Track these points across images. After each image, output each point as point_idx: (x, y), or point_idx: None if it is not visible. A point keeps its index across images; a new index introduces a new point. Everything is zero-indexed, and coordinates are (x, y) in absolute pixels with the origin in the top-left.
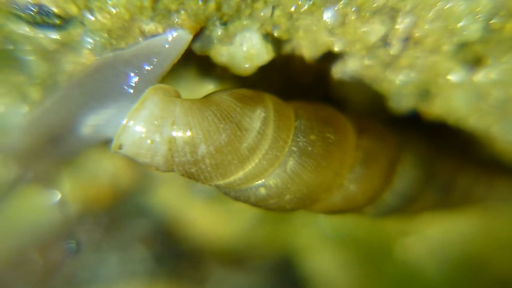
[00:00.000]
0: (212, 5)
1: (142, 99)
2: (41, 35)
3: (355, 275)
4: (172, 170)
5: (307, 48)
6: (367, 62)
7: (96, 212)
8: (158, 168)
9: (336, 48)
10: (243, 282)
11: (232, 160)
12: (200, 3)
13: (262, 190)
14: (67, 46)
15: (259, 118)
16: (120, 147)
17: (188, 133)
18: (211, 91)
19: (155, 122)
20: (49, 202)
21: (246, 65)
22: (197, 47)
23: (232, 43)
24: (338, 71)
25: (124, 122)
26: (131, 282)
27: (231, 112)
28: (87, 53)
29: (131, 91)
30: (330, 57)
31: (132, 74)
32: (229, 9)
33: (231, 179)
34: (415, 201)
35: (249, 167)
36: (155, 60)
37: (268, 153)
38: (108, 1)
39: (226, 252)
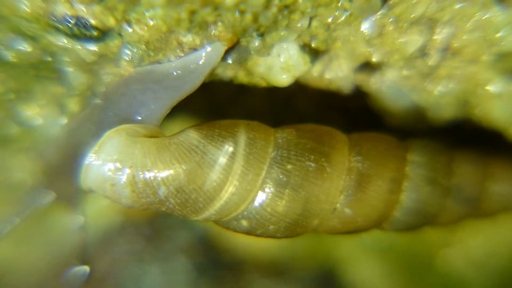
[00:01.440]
0: (249, 17)
1: (100, 143)
2: (79, 47)
3: (397, 286)
4: (146, 209)
5: (344, 58)
6: (405, 72)
7: (138, 223)
8: (133, 208)
9: (374, 59)
10: None
11: (198, 198)
12: (237, 14)
13: (244, 222)
14: (105, 57)
15: (226, 154)
16: (89, 189)
17: (146, 175)
18: None
19: (115, 166)
20: (72, 224)
21: (284, 76)
22: (234, 58)
23: (269, 54)
24: (376, 81)
25: (84, 165)
26: None
27: (192, 151)
28: (125, 65)
29: (153, 107)
30: (368, 68)
31: (159, 93)
32: (266, 20)
33: (205, 215)
34: (436, 215)
35: (218, 204)
36: (184, 80)
37: (238, 188)
38: (146, 13)
39: (268, 263)
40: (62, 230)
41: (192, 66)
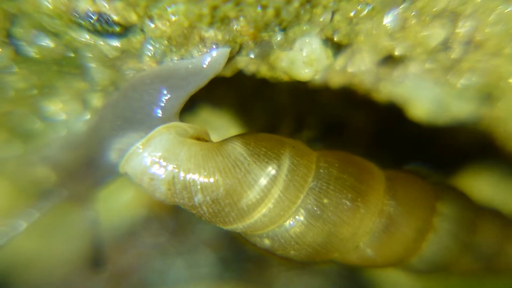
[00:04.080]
0: (270, 12)
1: (149, 136)
2: (102, 43)
3: (423, 281)
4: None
5: (367, 52)
6: (428, 66)
7: (162, 216)
8: (163, 202)
9: (397, 53)
10: (310, 286)
11: (230, 212)
12: (259, 9)
13: (267, 241)
14: (127, 53)
15: (267, 176)
16: (125, 174)
17: (187, 179)
18: None
19: (159, 162)
20: (84, 222)
21: (306, 70)
22: (256, 52)
23: (292, 48)
24: (399, 75)
25: (129, 152)
26: (198, 286)
27: (236, 167)
28: (147, 60)
29: (160, 113)
30: (390, 61)
31: (165, 93)
32: (288, 15)
33: (232, 227)
34: (450, 266)
35: (248, 221)
36: (192, 79)
37: (270, 211)
38: (168, 9)
39: None
40: (78, 226)
41: (196, 69)
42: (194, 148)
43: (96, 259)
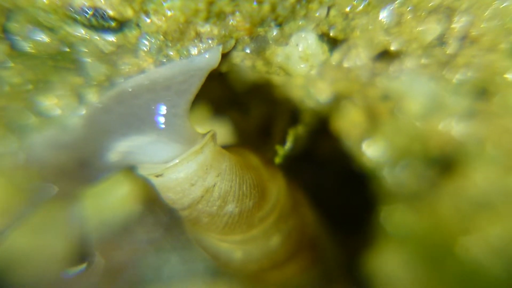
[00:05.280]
0: (266, 7)
1: (202, 144)
2: (97, 38)
3: (417, 273)
4: (180, 209)
5: (363, 47)
6: (423, 61)
7: (156, 212)
8: (174, 205)
9: (393, 48)
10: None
11: (242, 225)
12: (255, 5)
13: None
14: (123, 48)
15: (275, 192)
16: (159, 176)
17: (227, 189)
18: None
19: (205, 169)
20: (70, 220)
21: (302, 65)
22: (252, 47)
23: (288, 43)
24: (395, 70)
25: (180, 158)
26: (194, 282)
27: (261, 181)
28: (143, 55)
29: (163, 117)
30: (386, 57)
31: (168, 99)
32: (284, 10)
33: (228, 238)
34: None
35: (251, 233)
36: (189, 82)
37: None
38: (164, 4)
39: None
40: (66, 223)
41: (192, 71)
42: (232, 159)
43: (82, 256)
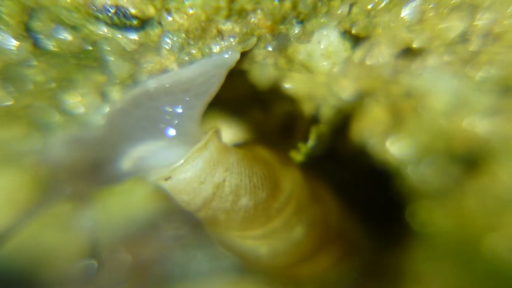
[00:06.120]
0: (288, 4)
1: (205, 141)
2: (120, 36)
3: (444, 270)
4: (195, 211)
5: (385, 45)
6: (446, 58)
7: (183, 208)
8: (189, 207)
9: (415, 45)
10: None
11: (260, 217)
12: (276, 2)
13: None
14: (145, 46)
15: (289, 181)
16: (168, 179)
17: (238, 183)
18: None
19: (212, 165)
20: (81, 221)
21: (324, 63)
22: (274, 45)
23: (310, 41)
24: (418, 67)
25: (185, 158)
26: (221, 278)
27: (273, 172)
28: (165, 53)
29: (177, 120)
30: (409, 54)
31: (185, 101)
32: (305, 8)
33: (250, 233)
34: None
35: (271, 226)
36: (209, 84)
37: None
38: (185, 2)
39: None
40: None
41: (211, 72)
42: (239, 152)
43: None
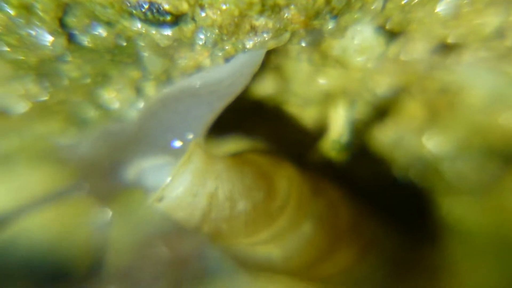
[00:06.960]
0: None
1: (188, 153)
2: (154, 32)
3: (481, 268)
4: (198, 227)
5: (420, 40)
6: (482, 54)
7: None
8: (189, 224)
9: (450, 40)
10: None
11: (262, 219)
12: None
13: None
14: (179, 42)
15: (284, 178)
16: (161, 199)
17: (231, 188)
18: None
19: (201, 176)
20: (99, 220)
21: (359, 58)
22: (308, 41)
23: (343, 36)
24: (453, 63)
25: (171, 175)
26: (257, 273)
27: (264, 171)
28: (199, 49)
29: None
30: (444, 49)
31: (210, 102)
32: (339, 3)
33: (257, 237)
34: None
35: (277, 226)
36: (235, 84)
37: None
38: None
39: None
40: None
41: (238, 72)
42: (226, 159)
43: (94, 264)
